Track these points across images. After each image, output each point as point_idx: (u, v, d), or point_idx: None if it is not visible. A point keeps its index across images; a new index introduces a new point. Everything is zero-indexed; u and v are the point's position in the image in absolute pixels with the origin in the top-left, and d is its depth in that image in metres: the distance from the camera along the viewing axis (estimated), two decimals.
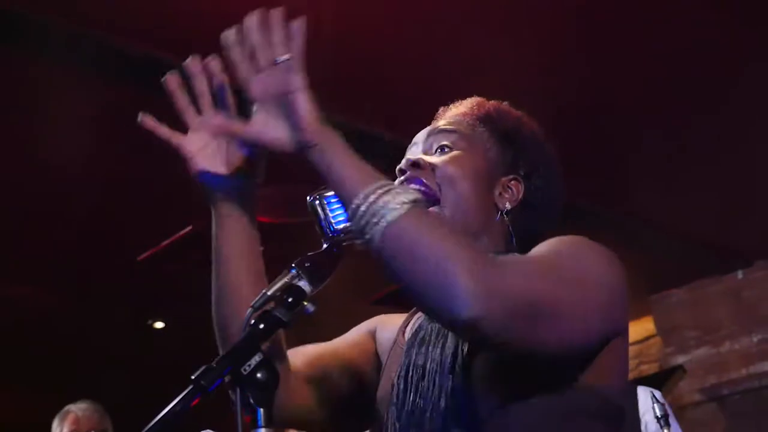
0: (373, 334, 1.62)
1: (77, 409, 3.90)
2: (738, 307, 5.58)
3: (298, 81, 1.26)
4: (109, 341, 5.99)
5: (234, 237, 1.42)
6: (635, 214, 4.81)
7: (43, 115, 3.63)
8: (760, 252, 5.45)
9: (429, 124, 1.62)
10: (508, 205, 1.49)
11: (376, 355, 1.59)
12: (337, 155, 1.25)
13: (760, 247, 5.38)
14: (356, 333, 1.63)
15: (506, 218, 1.49)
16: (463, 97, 1.64)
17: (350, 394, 1.55)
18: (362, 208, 1.21)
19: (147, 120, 1.41)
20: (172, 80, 1.39)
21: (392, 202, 1.20)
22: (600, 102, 3.85)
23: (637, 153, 4.28)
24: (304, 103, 1.26)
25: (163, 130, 1.41)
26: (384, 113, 3.72)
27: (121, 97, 3.57)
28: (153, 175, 4.12)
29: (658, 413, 2.46)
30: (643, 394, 2.57)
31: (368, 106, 3.70)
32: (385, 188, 1.21)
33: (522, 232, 1.49)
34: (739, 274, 5.61)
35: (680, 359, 5.62)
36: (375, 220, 1.20)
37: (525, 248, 1.42)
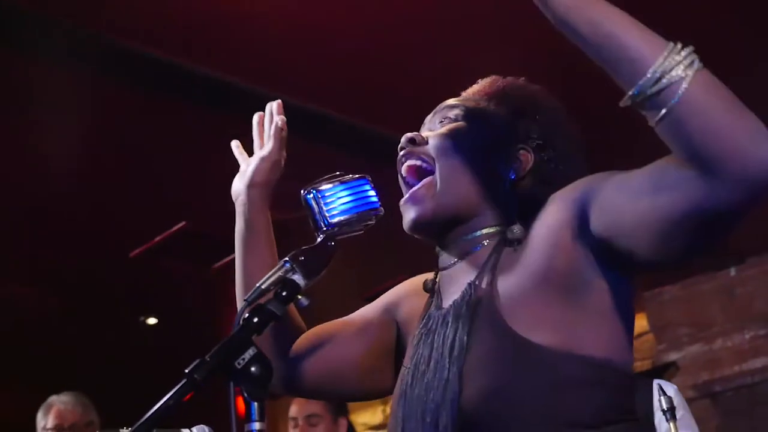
0: (392, 311, 1.62)
1: (60, 402, 3.83)
2: (731, 304, 5.59)
3: None
4: (102, 337, 5.98)
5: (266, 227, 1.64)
6: None
7: (39, 114, 3.62)
8: (753, 249, 5.46)
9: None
10: (512, 174, 1.46)
11: (392, 332, 1.61)
12: (609, 11, 1.20)
13: (753, 244, 5.38)
14: (372, 310, 1.65)
15: (511, 188, 1.46)
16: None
17: (340, 366, 1.59)
18: (656, 74, 1.15)
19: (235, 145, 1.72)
20: (257, 117, 1.70)
21: (682, 61, 1.16)
22: (596, 99, 3.85)
23: (631, 149, 4.28)
24: None
25: (240, 154, 1.72)
26: (390, 114, 3.72)
27: (117, 96, 3.57)
28: (146, 172, 4.11)
29: (664, 406, 2.44)
30: (655, 387, 2.54)
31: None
32: (671, 49, 1.17)
33: (530, 204, 1.43)
34: (732, 271, 5.62)
35: (673, 356, 5.62)
36: (675, 78, 1.14)
37: (528, 220, 1.40)
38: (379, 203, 1.43)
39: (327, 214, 1.37)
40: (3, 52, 3.30)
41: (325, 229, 1.37)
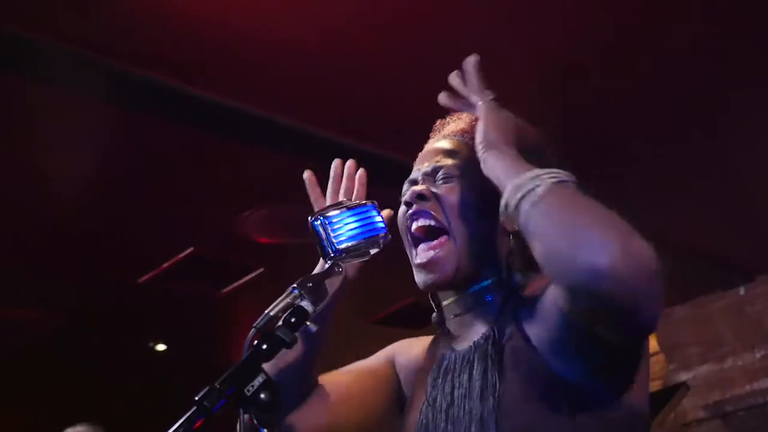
0: (392, 362, 1.63)
1: None
2: (741, 322, 5.57)
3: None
4: (110, 364, 5.98)
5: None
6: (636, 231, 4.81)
7: (45, 139, 3.64)
8: (762, 267, 5.45)
9: (426, 136, 1.63)
10: (516, 226, 1.46)
11: (395, 382, 1.61)
12: (498, 158, 1.38)
13: (762, 262, 5.37)
14: (375, 361, 1.64)
15: (512, 240, 1.46)
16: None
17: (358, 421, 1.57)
18: (513, 190, 1.29)
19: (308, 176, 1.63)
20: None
21: (542, 182, 1.28)
22: (601, 116, 3.86)
23: (638, 168, 4.29)
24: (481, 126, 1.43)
25: (315, 191, 1.62)
26: (381, 131, 3.73)
27: (125, 122, 3.58)
28: (154, 197, 4.13)
29: None
30: None
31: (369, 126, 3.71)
32: (535, 173, 1.30)
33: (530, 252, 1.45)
34: (741, 290, 5.60)
35: (684, 376, 5.60)
36: (528, 193, 1.27)
37: (528, 269, 1.42)
38: (386, 228, 1.43)
39: (334, 240, 1.38)
40: (13, 78, 3.32)
41: (332, 255, 1.37)
